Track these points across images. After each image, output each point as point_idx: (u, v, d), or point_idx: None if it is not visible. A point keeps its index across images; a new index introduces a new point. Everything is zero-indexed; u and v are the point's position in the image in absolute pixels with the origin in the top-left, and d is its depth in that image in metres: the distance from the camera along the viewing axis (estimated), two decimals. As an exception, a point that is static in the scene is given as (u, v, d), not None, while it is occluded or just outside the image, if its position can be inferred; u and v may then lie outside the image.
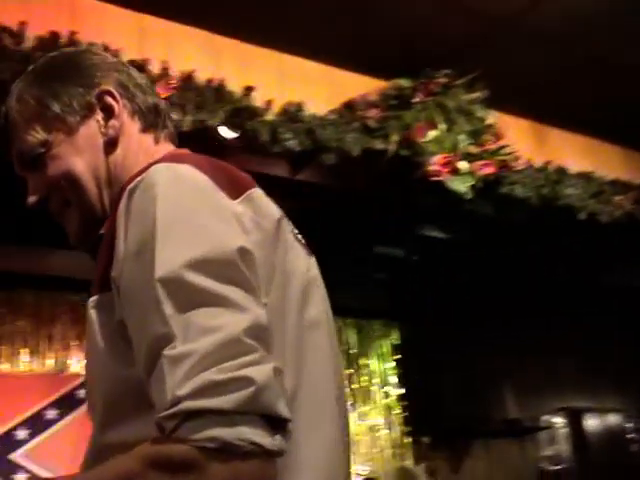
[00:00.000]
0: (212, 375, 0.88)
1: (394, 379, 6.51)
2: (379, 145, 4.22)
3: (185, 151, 1.27)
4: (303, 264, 1.19)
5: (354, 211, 4.78)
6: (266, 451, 0.89)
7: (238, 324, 0.92)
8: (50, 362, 5.51)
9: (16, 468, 5.00)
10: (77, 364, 5.57)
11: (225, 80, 3.91)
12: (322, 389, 1.14)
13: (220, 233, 1.01)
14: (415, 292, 6.13)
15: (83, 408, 5.33)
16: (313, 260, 1.26)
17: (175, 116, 3.65)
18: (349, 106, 4.38)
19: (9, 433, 5.03)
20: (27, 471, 5.04)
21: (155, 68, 3.72)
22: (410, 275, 5.96)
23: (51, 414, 5.24)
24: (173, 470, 0.88)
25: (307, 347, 1.12)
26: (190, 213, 1.01)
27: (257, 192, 1.15)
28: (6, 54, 3.35)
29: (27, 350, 5.44)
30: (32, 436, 5.15)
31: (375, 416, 6.35)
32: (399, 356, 6.53)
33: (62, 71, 1.29)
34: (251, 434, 0.88)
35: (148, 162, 1.17)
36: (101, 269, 1.09)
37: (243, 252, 1.00)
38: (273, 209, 1.16)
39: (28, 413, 5.18)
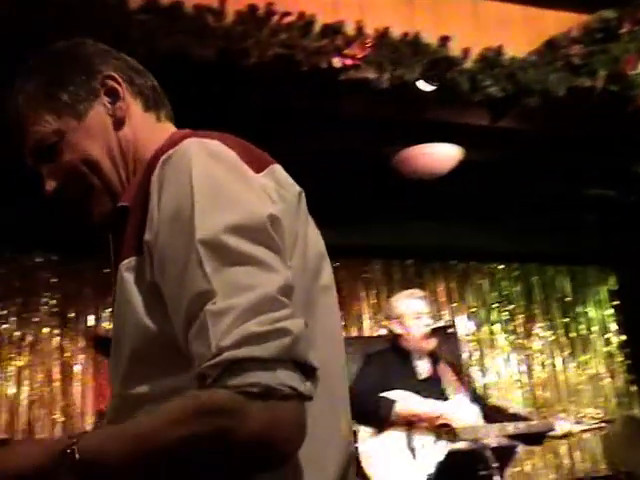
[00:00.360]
0: (252, 327, 0.96)
1: (614, 326, 6.26)
2: (586, 82, 4.01)
3: (203, 131, 1.30)
4: (317, 235, 1.29)
5: (561, 154, 4.59)
6: (300, 395, 0.97)
7: (272, 283, 1.01)
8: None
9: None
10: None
11: (420, 33, 3.86)
12: (334, 344, 1.26)
13: (252, 201, 1.09)
14: (631, 234, 5.82)
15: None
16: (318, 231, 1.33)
17: (372, 75, 3.66)
18: (550, 45, 4.19)
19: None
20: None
21: (350, 29, 3.74)
22: (625, 217, 5.67)
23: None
24: (219, 414, 0.95)
25: (321, 307, 1.22)
26: (224, 183, 1.09)
27: (278, 167, 1.22)
28: (209, 32, 3.49)
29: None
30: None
31: (596, 365, 6.14)
32: (617, 302, 6.26)
33: (63, 62, 1.34)
34: (289, 379, 0.96)
35: (157, 137, 1.27)
36: (133, 234, 1.15)
37: (273, 219, 1.08)
38: (293, 183, 1.23)
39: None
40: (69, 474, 0.98)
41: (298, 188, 1.23)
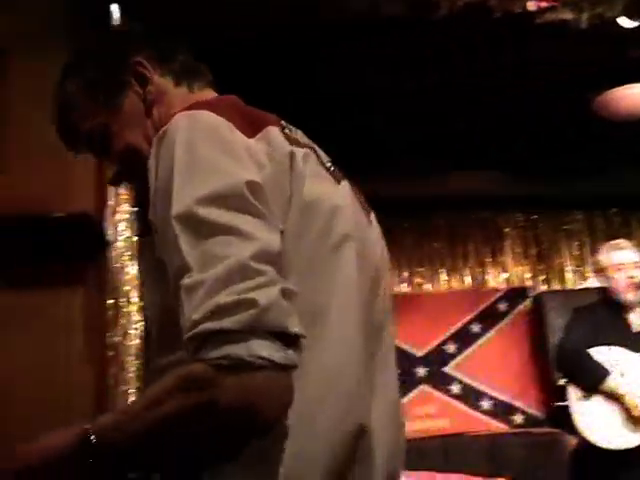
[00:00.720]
0: (221, 299, 0.98)
1: None
2: None
3: (213, 98, 1.37)
4: (328, 190, 1.24)
5: None
6: (276, 364, 0.98)
7: (247, 251, 1.01)
8: (467, 279, 5.74)
9: (450, 380, 5.35)
10: (494, 279, 5.72)
11: (620, -34, 3.62)
12: (349, 301, 1.19)
13: (229, 169, 1.09)
14: None
15: (505, 321, 5.47)
16: (343, 184, 1.31)
17: (570, 16, 3.49)
18: None
19: (440, 347, 5.36)
20: (460, 382, 5.33)
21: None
22: None
23: (475, 328, 5.45)
24: (195, 388, 0.98)
25: (338, 262, 1.19)
26: (202, 154, 1.10)
27: (272, 129, 1.21)
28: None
29: (445, 269, 5.72)
30: (460, 350, 5.41)
31: None
32: None
33: (94, 59, 1.41)
34: (260, 349, 0.97)
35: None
36: (144, 214, 1.19)
37: (251, 184, 1.08)
38: (285, 144, 1.21)
39: (454, 329, 5.44)
40: (88, 457, 1.03)
41: (289, 148, 1.21)
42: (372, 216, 1.40)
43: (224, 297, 0.98)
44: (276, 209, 1.12)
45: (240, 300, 0.98)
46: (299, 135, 1.29)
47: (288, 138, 1.23)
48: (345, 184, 1.32)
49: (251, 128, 1.18)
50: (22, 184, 3.01)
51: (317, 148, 1.32)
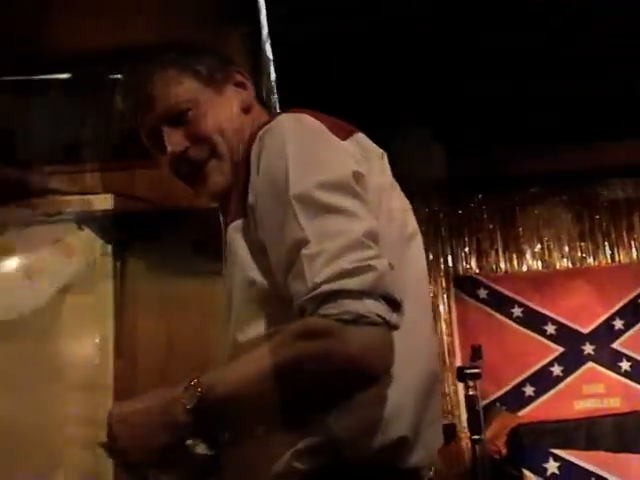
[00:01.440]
0: (343, 265, 1.12)
1: None
2: None
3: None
4: (399, 193, 1.45)
5: None
6: (387, 323, 1.12)
7: (359, 228, 1.17)
8: (633, 251, 5.44)
9: (619, 357, 5.10)
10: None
11: None
12: (421, 284, 1.41)
13: (337, 161, 1.27)
14: None
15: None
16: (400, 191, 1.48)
17: None
18: None
19: (607, 323, 5.15)
20: (630, 359, 5.09)
21: None
22: None
23: (644, 303, 5.19)
24: (318, 337, 1.11)
25: (410, 253, 1.39)
26: (313, 147, 1.27)
27: (361, 135, 1.40)
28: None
29: (608, 242, 5.45)
30: (629, 325, 5.17)
31: None
32: None
33: (200, 51, 1.58)
34: (376, 309, 1.11)
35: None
36: (237, 200, 1.33)
37: (357, 175, 1.26)
38: (376, 147, 1.41)
39: (621, 303, 5.20)
40: (195, 402, 1.16)
41: (381, 150, 1.41)
42: None
43: (344, 264, 1.12)
44: (370, 199, 1.28)
45: (359, 266, 1.12)
46: None
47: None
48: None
49: (342, 132, 1.35)
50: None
51: None
